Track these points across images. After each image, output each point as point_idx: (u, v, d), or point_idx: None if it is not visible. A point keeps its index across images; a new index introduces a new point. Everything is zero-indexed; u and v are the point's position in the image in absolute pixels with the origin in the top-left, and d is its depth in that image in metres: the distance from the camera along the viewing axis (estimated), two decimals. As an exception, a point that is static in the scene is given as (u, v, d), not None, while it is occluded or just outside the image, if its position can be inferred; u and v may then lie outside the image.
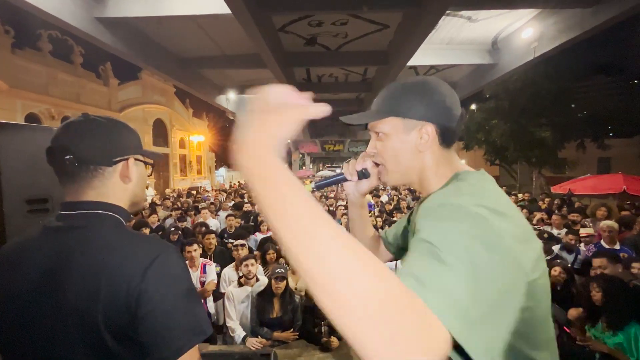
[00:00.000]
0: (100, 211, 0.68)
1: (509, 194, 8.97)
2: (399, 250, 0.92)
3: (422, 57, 8.41)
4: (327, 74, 11.58)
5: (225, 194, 11.18)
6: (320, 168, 33.80)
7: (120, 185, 0.72)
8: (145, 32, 7.85)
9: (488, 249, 0.45)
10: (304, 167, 29.99)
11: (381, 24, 7.23)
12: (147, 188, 12.50)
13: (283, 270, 2.77)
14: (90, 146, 0.68)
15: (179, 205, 7.87)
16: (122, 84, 16.37)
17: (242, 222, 5.77)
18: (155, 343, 0.58)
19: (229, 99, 14.30)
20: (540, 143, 14.01)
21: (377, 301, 0.32)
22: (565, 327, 2.44)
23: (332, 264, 0.33)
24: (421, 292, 0.37)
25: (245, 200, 7.98)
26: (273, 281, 2.70)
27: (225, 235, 4.99)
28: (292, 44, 8.31)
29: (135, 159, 0.76)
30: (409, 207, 7.06)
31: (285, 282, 2.74)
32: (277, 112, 0.42)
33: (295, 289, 3.15)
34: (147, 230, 4.45)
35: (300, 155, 29.34)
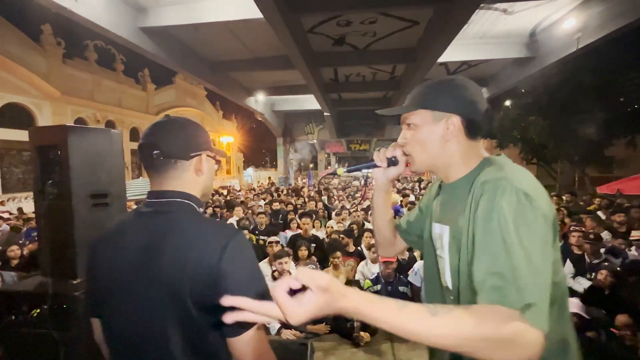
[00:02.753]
0: (180, 199, 0.79)
1: (550, 194, 8.45)
2: (417, 240, 0.96)
3: (453, 52, 8.17)
4: (355, 73, 11.56)
5: (253, 193, 11.52)
6: (346, 167, 33.64)
7: (195, 177, 0.83)
8: (181, 39, 8.30)
9: (540, 231, 0.59)
10: (329, 167, 30.06)
11: (411, 20, 7.12)
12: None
13: (314, 267, 2.84)
14: (172, 143, 0.79)
15: (211, 202, 8.22)
16: (158, 89, 17.37)
17: (272, 220, 5.94)
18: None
19: (257, 101, 14.69)
20: (585, 140, 13.03)
21: (492, 345, 0.50)
22: (613, 329, 2.32)
23: (460, 345, 0.51)
24: (514, 303, 0.53)
25: (275, 198, 8.18)
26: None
27: (257, 232, 5.17)
28: (321, 44, 8.40)
29: (207, 155, 0.86)
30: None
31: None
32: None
33: None
34: None
35: (326, 155, 29.45)
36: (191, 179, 0.82)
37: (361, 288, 2.95)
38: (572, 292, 3.25)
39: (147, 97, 16.63)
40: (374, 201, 0.99)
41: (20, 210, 8.30)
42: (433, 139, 0.76)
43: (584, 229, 3.91)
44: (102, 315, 0.78)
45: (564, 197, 7.52)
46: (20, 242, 4.02)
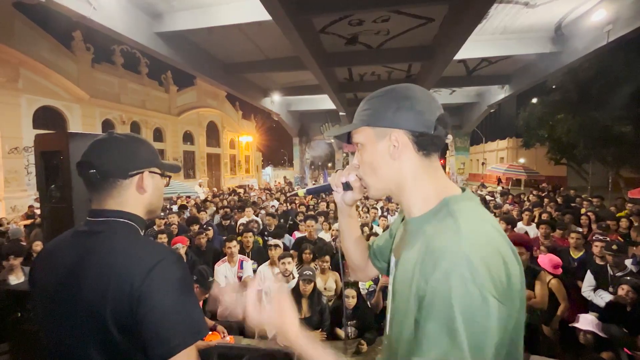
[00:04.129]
0: (117, 219, 0.78)
1: (577, 197, 7.93)
2: (387, 267, 0.87)
3: (472, 49, 7.87)
4: (370, 72, 11.39)
5: (267, 193, 11.62)
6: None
7: (136, 196, 0.81)
8: (196, 42, 8.51)
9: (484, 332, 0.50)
10: (346, 166, 29.90)
11: (425, 17, 6.90)
12: (200, 186, 13.54)
13: (311, 273, 2.81)
14: (109, 161, 0.78)
15: (227, 203, 8.38)
16: (180, 90, 17.95)
17: (281, 221, 5.96)
18: (153, 340, 0.65)
19: (273, 101, 14.83)
20: (618, 139, 12.12)
21: None
22: (626, 349, 2.13)
23: None
24: None
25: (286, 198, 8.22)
26: (300, 283, 2.76)
27: (266, 233, 5.20)
28: (333, 44, 8.33)
29: (150, 172, 0.84)
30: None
31: (312, 284, 2.78)
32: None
33: (325, 288, 3.18)
34: (196, 227, 4.76)
35: (344, 155, 29.31)
36: (132, 197, 0.80)
37: (359, 290, 2.88)
38: (592, 307, 3.04)
39: (169, 98, 17.22)
40: (339, 226, 0.93)
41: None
42: (379, 160, 0.67)
43: (608, 238, 3.62)
44: (41, 332, 0.78)
45: (593, 201, 7.00)
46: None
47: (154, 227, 4.96)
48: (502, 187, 14.34)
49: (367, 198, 7.34)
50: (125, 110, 14.22)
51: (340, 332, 2.68)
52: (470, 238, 0.55)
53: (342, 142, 0.79)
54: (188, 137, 18.54)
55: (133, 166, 0.80)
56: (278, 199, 9.09)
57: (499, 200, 7.67)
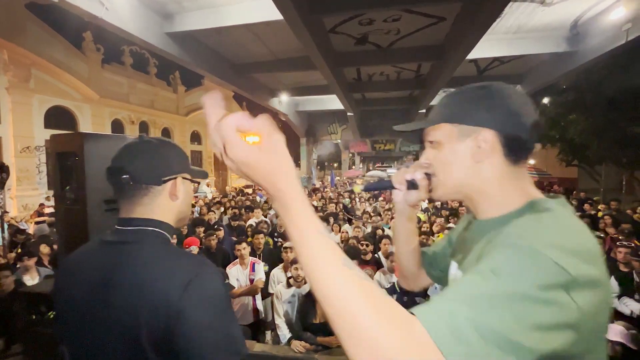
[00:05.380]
0: (148, 228, 0.73)
1: (589, 199, 7.75)
2: (441, 275, 0.81)
3: (484, 48, 7.70)
4: (378, 72, 11.29)
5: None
6: (370, 167, 33.22)
7: (168, 203, 0.77)
8: (205, 43, 8.51)
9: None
10: (353, 167, 29.78)
11: (437, 16, 6.80)
12: (207, 185, 13.59)
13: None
14: (142, 167, 0.73)
15: (234, 204, 8.37)
16: (188, 90, 18.06)
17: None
18: None
19: (281, 101, 14.81)
20: (635, 140, 11.84)
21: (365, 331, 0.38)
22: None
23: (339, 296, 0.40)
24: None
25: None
26: (317, 286, 2.70)
27: (276, 234, 5.16)
28: (343, 44, 8.26)
29: (183, 178, 0.80)
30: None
31: (329, 287, 2.72)
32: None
33: None
34: (201, 229, 4.62)
35: (350, 155, 29.17)
36: (164, 204, 0.76)
37: None
38: (617, 315, 2.92)
39: (177, 98, 17.34)
40: (394, 227, 0.87)
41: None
42: (460, 161, 0.60)
43: (633, 244, 3.49)
44: (66, 345, 0.73)
45: (610, 204, 6.80)
46: (52, 238, 4.27)
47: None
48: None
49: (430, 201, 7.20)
50: (134, 110, 14.34)
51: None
52: (568, 229, 0.49)
53: (413, 138, 0.71)
54: (195, 137, 18.64)
55: (166, 172, 0.76)
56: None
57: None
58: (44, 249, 3.90)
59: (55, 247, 3.90)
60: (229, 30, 7.26)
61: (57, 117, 11.24)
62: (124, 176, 0.71)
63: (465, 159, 0.60)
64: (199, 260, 0.72)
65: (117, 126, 13.51)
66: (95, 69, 12.47)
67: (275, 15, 5.79)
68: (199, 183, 0.87)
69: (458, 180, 0.62)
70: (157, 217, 0.74)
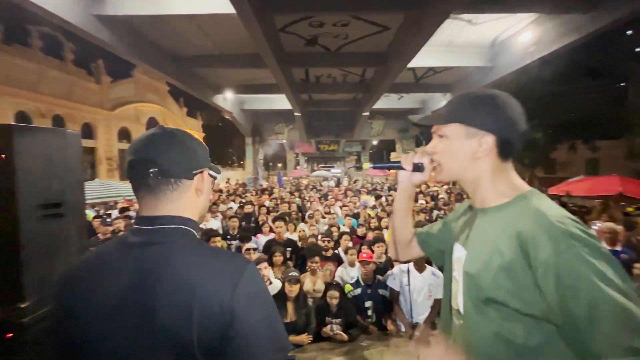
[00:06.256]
0: (177, 226, 0.67)
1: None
2: (436, 252, 0.96)
3: (421, 58, 8.45)
4: (326, 75, 11.58)
5: (221, 195, 11.05)
6: (315, 168, 33.78)
7: (194, 199, 0.71)
8: (141, 30, 7.72)
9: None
10: (298, 167, 29.97)
11: (382, 25, 7.26)
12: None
13: (296, 274, 2.74)
14: (173, 160, 0.66)
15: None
16: (114, 82, 16.09)
17: (243, 223, 5.71)
18: (242, 358, 0.58)
19: (226, 99, 14.16)
20: (533, 144, 14.28)
21: None
22: None
23: None
24: None
25: (245, 201, 7.90)
26: (287, 284, 2.67)
27: (228, 236, 4.93)
28: (293, 44, 8.28)
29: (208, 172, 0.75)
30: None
31: (298, 285, 2.71)
32: None
33: (314, 290, 3.13)
34: None
35: (295, 155, 29.30)
36: (191, 200, 0.70)
37: (342, 290, 2.91)
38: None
39: (101, 90, 15.32)
40: (396, 203, 1.00)
41: None
42: (463, 155, 0.75)
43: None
44: None
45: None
46: None
47: (98, 235, 4.35)
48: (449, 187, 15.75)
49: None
50: (45, 101, 12.28)
51: (327, 330, 2.65)
52: (562, 214, 0.64)
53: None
54: (124, 135, 16.71)
55: (196, 165, 0.70)
56: (234, 201, 8.70)
57: (445, 197, 8.38)
58: None
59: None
60: (169, 19, 6.71)
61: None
62: (153, 169, 0.64)
63: (467, 154, 0.74)
64: (241, 258, 0.69)
65: (22, 120, 11.39)
66: (-9, 50, 10.36)
67: (222, 8, 5.54)
68: (215, 178, 0.82)
69: (459, 169, 0.77)
70: (183, 213, 0.68)
